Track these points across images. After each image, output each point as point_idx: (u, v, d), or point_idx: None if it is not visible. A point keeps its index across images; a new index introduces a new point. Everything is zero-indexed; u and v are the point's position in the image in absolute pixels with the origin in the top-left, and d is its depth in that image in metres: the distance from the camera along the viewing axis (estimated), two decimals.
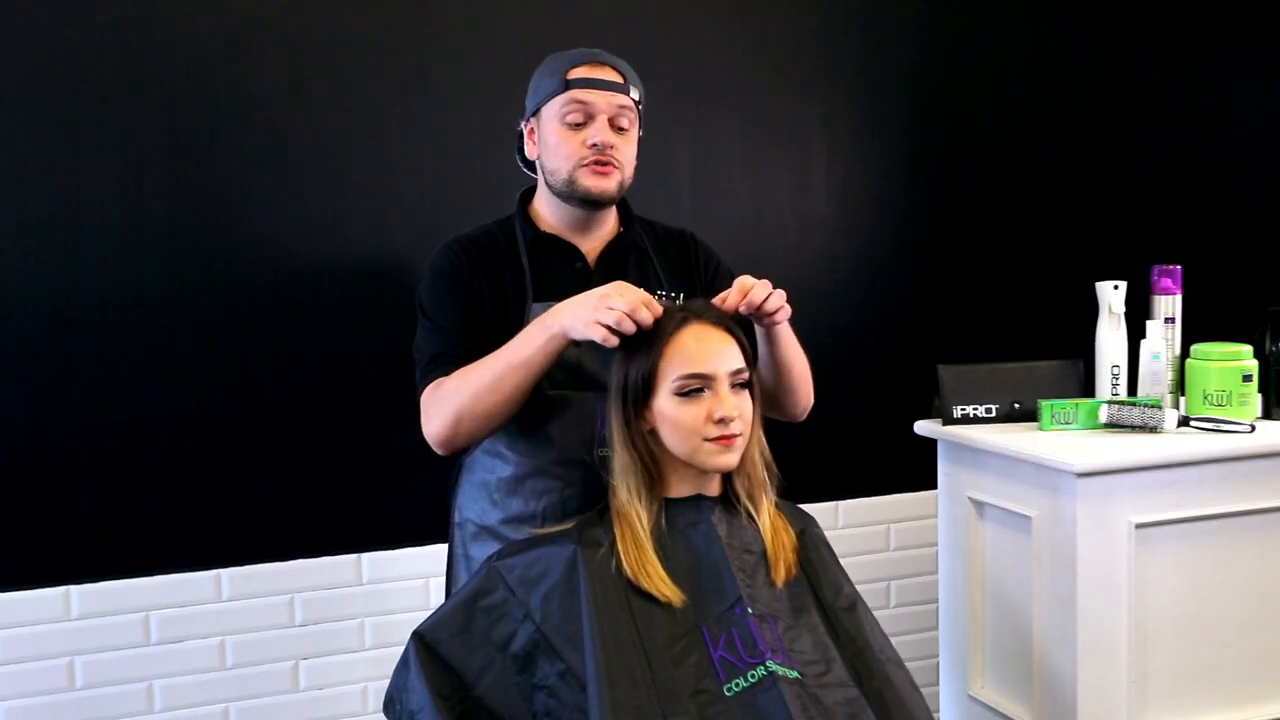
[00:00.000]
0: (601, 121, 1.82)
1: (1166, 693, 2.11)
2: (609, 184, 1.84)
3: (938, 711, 2.42)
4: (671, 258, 1.97)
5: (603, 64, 1.85)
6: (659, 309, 1.66)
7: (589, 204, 1.86)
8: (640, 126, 1.91)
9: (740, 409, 1.65)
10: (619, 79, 1.85)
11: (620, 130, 1.85)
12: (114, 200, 2.27)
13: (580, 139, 1.82)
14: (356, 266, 2.42)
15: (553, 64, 1.87)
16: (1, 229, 2.22)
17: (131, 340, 2.30)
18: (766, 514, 1.71)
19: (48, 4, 2.22)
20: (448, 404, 1.76)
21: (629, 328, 1.63)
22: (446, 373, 1.79)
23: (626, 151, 1.86)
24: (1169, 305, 2.33)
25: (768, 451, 1.76)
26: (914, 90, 2.81)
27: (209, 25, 2.30)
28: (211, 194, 2.33)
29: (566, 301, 1.70)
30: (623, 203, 1.95)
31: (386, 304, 2.43)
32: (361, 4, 2.39)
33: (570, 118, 1.82)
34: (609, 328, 1.63)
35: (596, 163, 1.82)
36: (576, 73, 1.83)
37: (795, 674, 1.56)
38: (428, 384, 1.81)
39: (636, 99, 1.87)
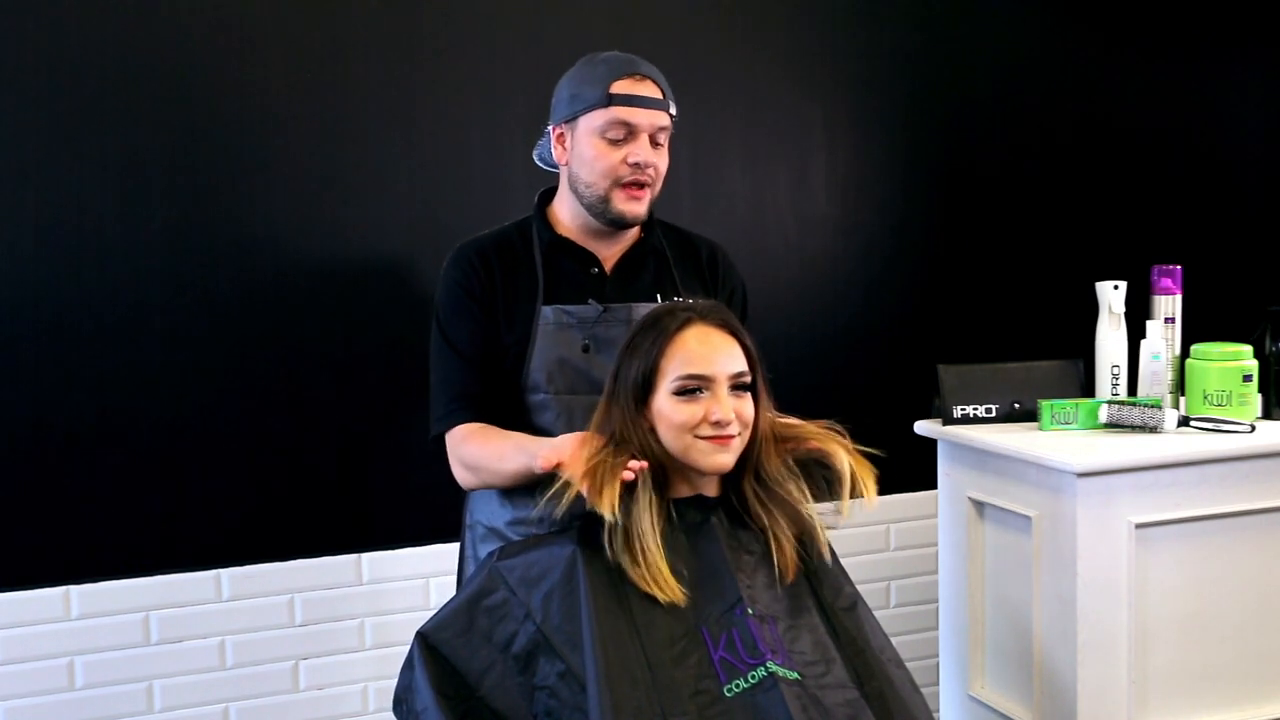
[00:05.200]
0: (643, 139, 1.81)
1: (1166, 693, 2.11)
2: (641, 208, 1.84)
3: (938, 711, 2.42)
4: (691, 267, 1.95)
5: (644, 77, 1.83)
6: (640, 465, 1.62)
7: (619, 225, 1.85)
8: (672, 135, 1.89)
9: (739, 411, 1.64)
10: (659, 94, 1.83)
11: (657, 146, 1.83)
12: (114, 200, 2.27)
13: (620, 156, 1.80)
14: (356, 266, 2.42)
15: (592, 71, 1.83)
16: (1, 229, 2.22)
17: (131, 340, 2.30)
18: (768, 515, 1.71)
19: (48, 4, 2.21)
20: (471, 468, 1.83)
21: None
22: (467, 419, 1.84)
23: (661, 168, 1.85)
24: (1169, 305, 2.33)
25: (775, 455, 1.75)
26: (914, 90, 2.81)
27: (209, 25, 2.30)
28: (211, 194, 2.33)
29: (570, 449, 1.65)
30: None
31: (386, 304, 2.43)
32: (362, 4, 2.39)
33: (611, 134, 1.80)
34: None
35: (634, 184, 1.81)
36: (619, 86, 1.80)
37: (795, 675, 1.56)
38: (449, 425, 1.85)
39: (674, 114, 1.86)
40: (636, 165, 1.80)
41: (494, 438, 1.81)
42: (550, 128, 1.90)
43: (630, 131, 1.80)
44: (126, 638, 2.33)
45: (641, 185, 1.81)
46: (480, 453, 1.82)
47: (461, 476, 1.87)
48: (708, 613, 1.60)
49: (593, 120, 1.81)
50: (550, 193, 1.94)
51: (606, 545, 1.62)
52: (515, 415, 1.86)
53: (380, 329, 2.43)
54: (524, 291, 1.86)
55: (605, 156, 1.80)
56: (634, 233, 1.93)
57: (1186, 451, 2.07)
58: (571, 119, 1.84)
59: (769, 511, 1.70)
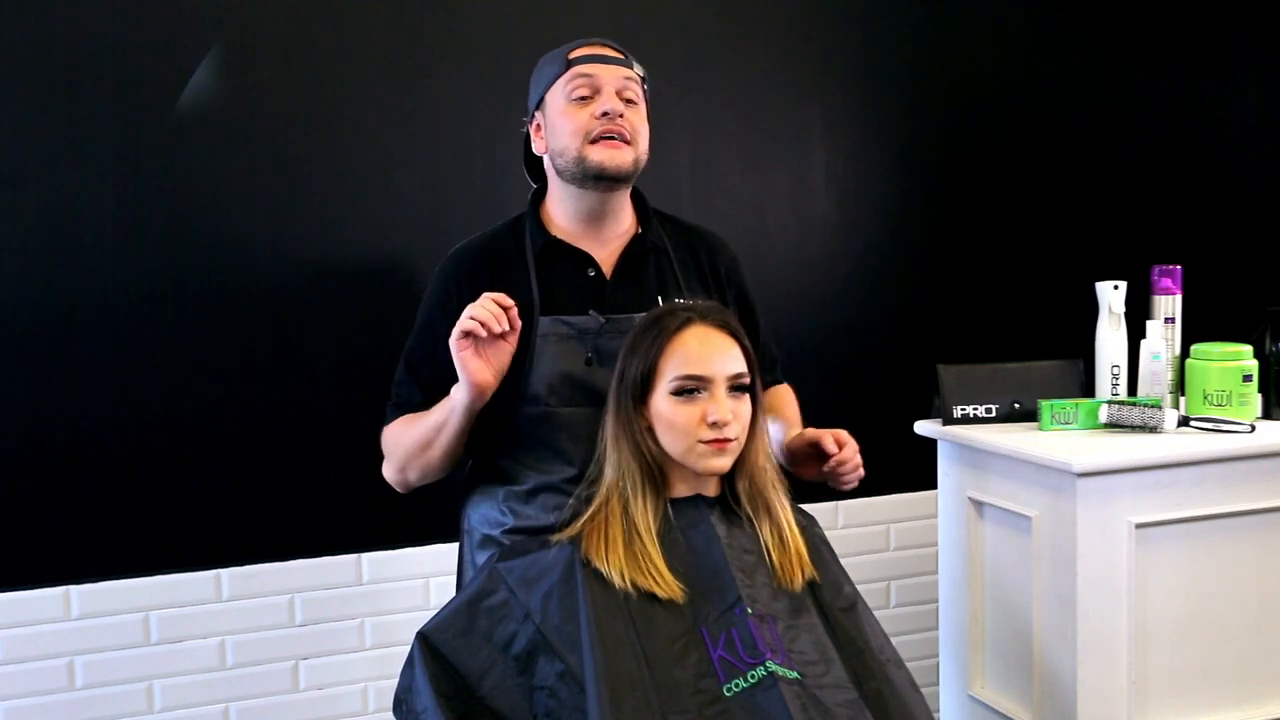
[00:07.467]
0: (609, 92, 1.78)
1: (1166, 693, 2.11)
2: (622, 158, 1.78)
3: (938, 711, 2.42)
4: (691, 260, 1.92)
5: (604, 44, 1.84)
6: (510, 323, 1.65)
7: (603, 181, 1.79)
8: (648, 105, 1.86)
9: (737, 413, 1.64)
10: (621, 56, 1.83)
11: (629, 103, 1.80)
12: (113, 200, 2.27)
13: (588, 112, 1.78)
14: (356, 266, 2.42)
15: (552, 54, 1.85)
16: (1, 229, 2.22)
17: (131, 340, 2.30)
18: (769, 517, 1.70)
19: (47, 4, 2.22)
20: (393, 455, 1.84)
21: (482, 332, 1.63)
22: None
23: (639, 126, 1.81)
24: (1169, 305, 2.33)
25: (773, 455, 1.74)
26: (914, 90, 2.81)
27: (209, 25, 2.30)
28: (211, 194, 2.33)
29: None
30: (640, 199, 1.91)
31: (386, 304, 2.43)
32: (361, 4, 2.40)
33: (577, 93, 1.79)
34: (466, 333, 1.63)
35: (606, 136, 1.77)
36: (578, 53, 1.82)
37: (795, 674, 1.56)
38: (384, 425, 1.87)
39: (641, 74, 1.84)
40: (605, 115, 1.77)
41: (410, 420, 1.81)
42: (528, 126, 1.88)
43: (595, 89, 1.79)
44: (126, 638, 2.33)
45: (614, 137, 1.77)
46: (395, 435, 1.82)
47: (389, 475, 1.86)
48: (707, 612, 1.60)
49: (557, 89, 1.81)
50: (544, 192, 1.90)
51: (603, 544, 1.62)
52: (503, 427, 1.81)
53: (380, 329, 2.43)
54: (518, 302, 1.79)
55: (574, 116, 1.78)
56: (630, 226, 1.88)
57: (1186, 451, 2.07)
58: (540, 102, 1.84)
59: (765, 511, 1.70)
